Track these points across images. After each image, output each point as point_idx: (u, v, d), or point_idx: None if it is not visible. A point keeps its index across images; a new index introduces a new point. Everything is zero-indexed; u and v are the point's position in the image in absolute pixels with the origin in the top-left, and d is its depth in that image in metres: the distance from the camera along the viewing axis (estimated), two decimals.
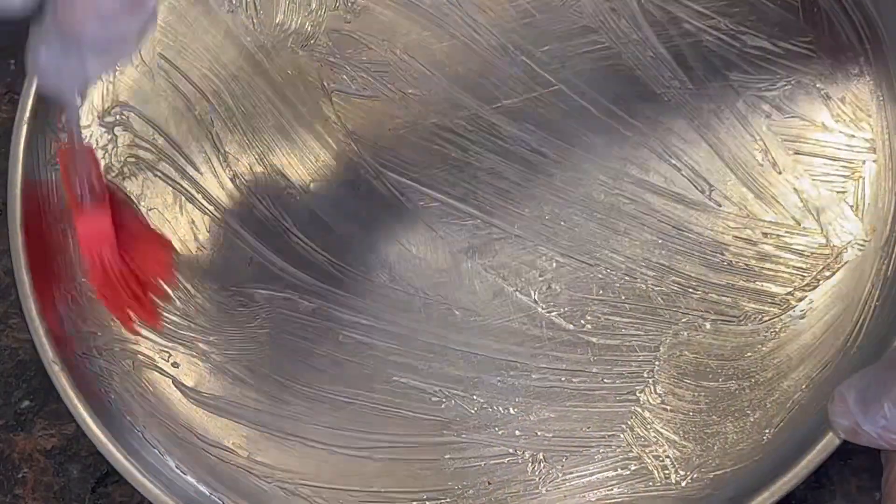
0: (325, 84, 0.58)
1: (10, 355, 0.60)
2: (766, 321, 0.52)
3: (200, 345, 0.57)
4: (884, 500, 0.47)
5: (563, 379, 0.53)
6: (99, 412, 0.54)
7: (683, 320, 0.53)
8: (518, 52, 0.57)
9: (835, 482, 0.53)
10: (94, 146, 0.58)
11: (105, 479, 0.58)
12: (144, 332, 0.57)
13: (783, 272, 0.53)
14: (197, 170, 0.58)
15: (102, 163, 0.58)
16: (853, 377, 0.47)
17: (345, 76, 0.58)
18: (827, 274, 0.52)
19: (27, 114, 0.58)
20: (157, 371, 0.57)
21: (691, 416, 0.52)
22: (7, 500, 0.58)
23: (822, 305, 0.52)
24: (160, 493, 0.53)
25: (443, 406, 0.54)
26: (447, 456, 0.53)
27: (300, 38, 0.59)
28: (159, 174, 0.59)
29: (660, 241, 0.54)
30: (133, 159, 0.59)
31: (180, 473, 0.55)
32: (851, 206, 0.53)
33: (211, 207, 0.58)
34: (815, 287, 0.52)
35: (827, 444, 0.47)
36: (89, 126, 0.59)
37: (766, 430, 0.51)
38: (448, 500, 0.53)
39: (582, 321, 0.54)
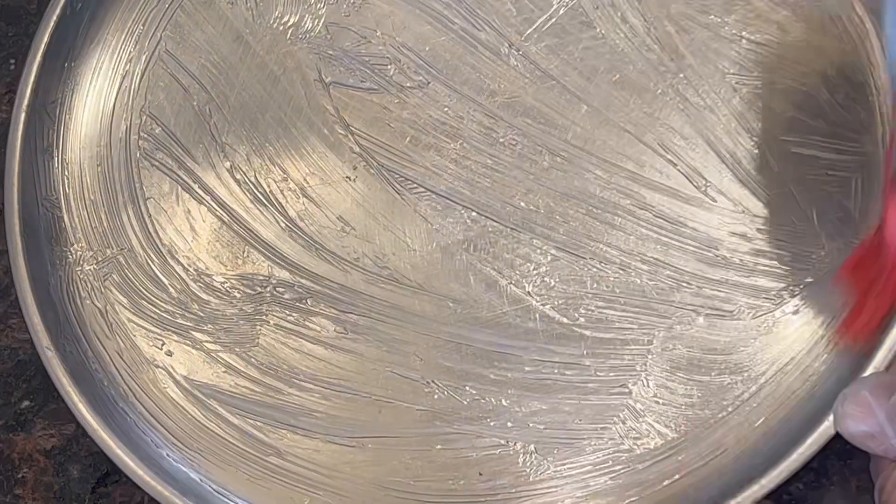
0: (324, 77, 0.58)
1: (10, 355, 0.60)
2: (759, 316, 0.52)
3: (194, 333, 0.57)
4: None
5: (555, 371, 0.53)
6: (91, 399, 0.55)
7: (677, 314, 0.53)
8: (515, 46, 0.57)
9: (835, 482, 0.53)
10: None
11: (105, 479, 0.58)
12: (138, 320, 0.57)
13: (777, 268, 0.53)
14: (194, 160, 0.59)
15: (97, 150, 0.59)
16: (874, 382, 0.46)
17: (343, 69, 0.58)
18: (821, 271, 0.52)
19: (23, 111, 0.59)
20: (150, 358, 0.57)
21: (683, 410, 0.52)
22: (7, 500, 0.58)
23: (815, 301, 0.52)
24: (150, 479, 0.53)
25: (435, 397, 0.54)
26: (438, 447, 0.53)
27: (299, 30, 0.59)
28: (156, 164, 0.59)
29: (654, 236, 0.54)
30: (130, 148, 0.59)
31: (172, 462, 0.55)
32: (847, 204, 0.53)
33: (207, 197, 0.58)
34: (810, 283, 0.52)
35: (818, 438, 0.47)
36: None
37: (758, 424, 0.51)
38: (439, 490, 0.53)
39: (575, 314, 0.54)
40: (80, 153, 0.60)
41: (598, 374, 0.53)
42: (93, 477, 0.58)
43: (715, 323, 0.53)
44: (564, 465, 0.52)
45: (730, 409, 0.51)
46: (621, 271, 0.54)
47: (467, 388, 0.54)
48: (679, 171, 0.54)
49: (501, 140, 0.56)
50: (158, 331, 0.57)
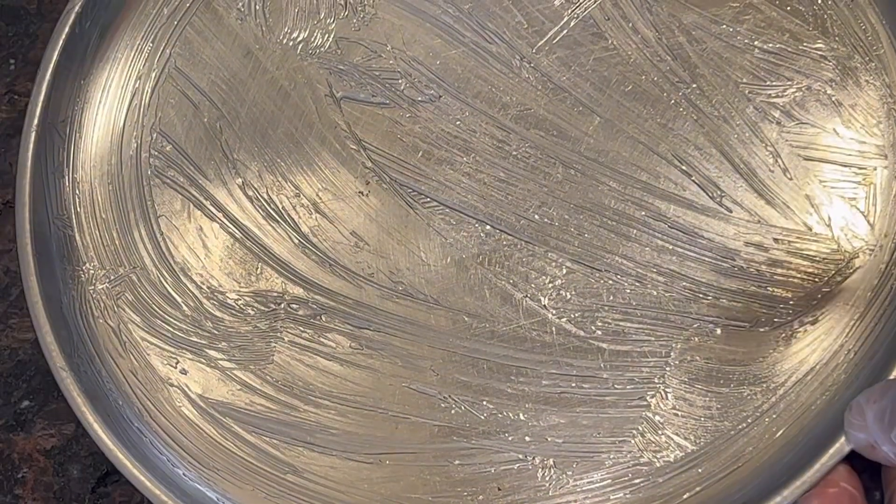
0: (335, 92, 0.58)
1: (10, 355, 0.60)
2: (777, 327, 0.52)
3: (209, 351, 0.56)
4: None
5: (573, 385, 0.53)
6: (106, 418, 0.55)
7: (694, 326, 0.53)
8: (527, 59, 0.57)
9: None
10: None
11: (105, 479, 0.58)
12: (152, 338, 0.57)
13: (794, 278, 0.52)
14: (206, 177, 0.58)
15: (107, 168, 0.59)
16: (873, 389, 0.46)
17: (353, 83, 0.58)
18: (838, 279, 0.52)
19: (34, 130, 0.59)
20: (164, 377, 0.56)
21: (702, 422, 0.52)
22: (7, 500, 0.58)
23: (833, 311, 0.52)
24: (168, 499, 0.53)
25: (452, 412, 0.54)
26: (457, 462, 0.53)
27: (309, 45, 0.59)
28: (168, 181, 0.59)
29: (670, 247, 0.54)
30: (141, 166, 0.59)
31: (189, 481, 0.55)
32: (862, 212, 0.53)
33: (220, 214, 0.58)
34: (827, 292, 0.52)
35: (839, 450, 0.47)
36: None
37: (778, 435, 0.50)
38: None
39: (592, 327, 0.54)
40: (91, 171, 0.60)
41: (616, 386, 0.53)
42: (93, 477, 0.58)
43: (733, 334, 0.52)
44: (583, 479, 0.52)
45: (749, 421, 0.51)
46: (637, 283, 0.54)
47: (484, 402, 0.54)
48: (694, 181, 0.54)
49: (514, 153, 0.56)
50: (172, 349, 0.57)
